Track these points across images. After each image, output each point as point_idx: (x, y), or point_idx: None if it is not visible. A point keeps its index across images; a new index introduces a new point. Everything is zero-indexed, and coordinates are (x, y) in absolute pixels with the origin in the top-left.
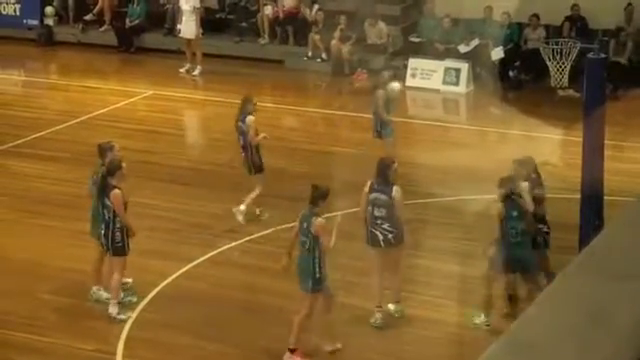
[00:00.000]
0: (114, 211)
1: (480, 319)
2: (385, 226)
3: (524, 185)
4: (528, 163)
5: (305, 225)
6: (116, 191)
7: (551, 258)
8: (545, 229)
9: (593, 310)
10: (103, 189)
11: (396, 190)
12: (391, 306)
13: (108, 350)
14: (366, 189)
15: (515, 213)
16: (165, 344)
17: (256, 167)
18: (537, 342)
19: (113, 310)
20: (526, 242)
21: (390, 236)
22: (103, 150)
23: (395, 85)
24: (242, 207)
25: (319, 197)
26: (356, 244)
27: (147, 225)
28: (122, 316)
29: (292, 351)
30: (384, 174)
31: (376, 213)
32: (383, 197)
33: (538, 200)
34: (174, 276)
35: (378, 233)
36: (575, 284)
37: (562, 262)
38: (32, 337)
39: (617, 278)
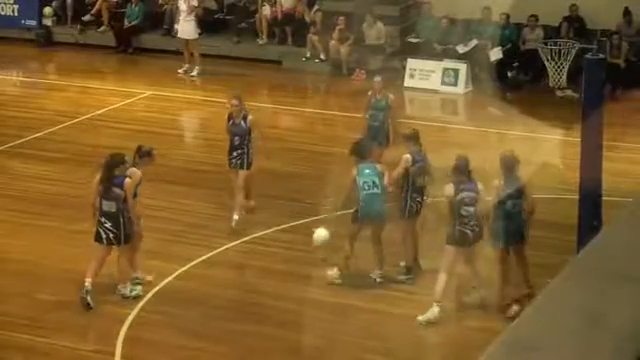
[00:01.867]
0: (124, 200)
1: (333, 273)
2: (472, 223)
3: (406, 157)
4: (412, 137)
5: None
6: (127, 180)
7: (550, 258)
8: (418, 199)
9: (592, 311)
10: (108, 181)
11: (480, 184)
12: None
13: (107, 350)
14: (451, 191)
15: (367, 171)
16: (163, 344)
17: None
18: (535, 343)
19: (125, 291)
20: (377, 196)
21: (478, 231)
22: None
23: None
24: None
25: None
26: (356, 244)
27: (145, 225)
28: (135, 292)
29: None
30: (467, 171)
31: (464, 212)
32: (472, 194)
33: (417, 173)
34: (172, 276)
35: (468, 231)
36: (573, 285)
37: (561, 262)
38: (31, 338)
39: (616, 279)
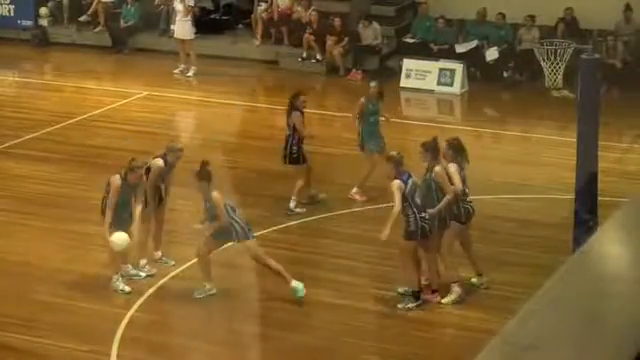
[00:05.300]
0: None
1: (204, 290)
2: (468, 199)
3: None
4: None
5: None
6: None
7: (545, 258)
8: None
9: (588, 311)
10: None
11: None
12: (474, 279)
13: (103, 351)
14: (455, 168)
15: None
16: (160, 344)
17: (290, 159)
18: (532, 343)
19: (116, 284)
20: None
21: (471, 209)
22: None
23: None
24: (291, 203)
25: None
26: (351, 245)
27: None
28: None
29: None
30: (464, 152)
31: (465, 189)
32: (427, 176)
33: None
34: (169, 276)
35: (469, 207)
36: (570, 285)
37: (556, 262)
38: (26, 338)
39: (612, 279)
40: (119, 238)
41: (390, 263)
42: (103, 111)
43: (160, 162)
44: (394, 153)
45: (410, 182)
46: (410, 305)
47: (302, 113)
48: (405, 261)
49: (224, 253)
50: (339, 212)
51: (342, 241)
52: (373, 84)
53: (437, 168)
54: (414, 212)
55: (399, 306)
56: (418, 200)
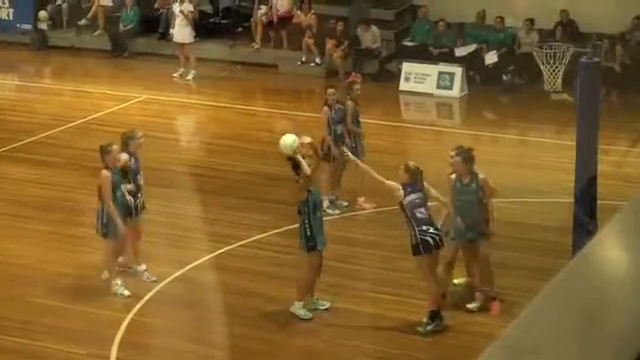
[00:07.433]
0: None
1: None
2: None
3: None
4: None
5: None
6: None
7: (545, 262)
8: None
9: (588, 314)
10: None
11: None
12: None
13: (102, 354)
14: (454, 176)
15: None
16: (159, 348)
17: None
18: (532, 346)
19: (115, 289)
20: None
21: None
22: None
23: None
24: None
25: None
26: (352, 248)
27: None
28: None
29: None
30: (473, 163)
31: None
32: (474, 186)
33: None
34: (168, 280)
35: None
36: (570, 288)
37: (556, 265)
38: (25, 342)
39: (611, 282)
40: (288, 137)
41: (390, 266)
42: (102, 115)
43: (125, 156)
44: (411, 164)
45: (413, 196)
46: (428, 328)
47: (329, 107)
48: (424, 277)
49: (223, 257)
50: (341, 216)
51: (342, 244)
52: (331, 91)
53: (482, 175)
54: (412, 226)
55: (419, 329)
56: (420, 214)
